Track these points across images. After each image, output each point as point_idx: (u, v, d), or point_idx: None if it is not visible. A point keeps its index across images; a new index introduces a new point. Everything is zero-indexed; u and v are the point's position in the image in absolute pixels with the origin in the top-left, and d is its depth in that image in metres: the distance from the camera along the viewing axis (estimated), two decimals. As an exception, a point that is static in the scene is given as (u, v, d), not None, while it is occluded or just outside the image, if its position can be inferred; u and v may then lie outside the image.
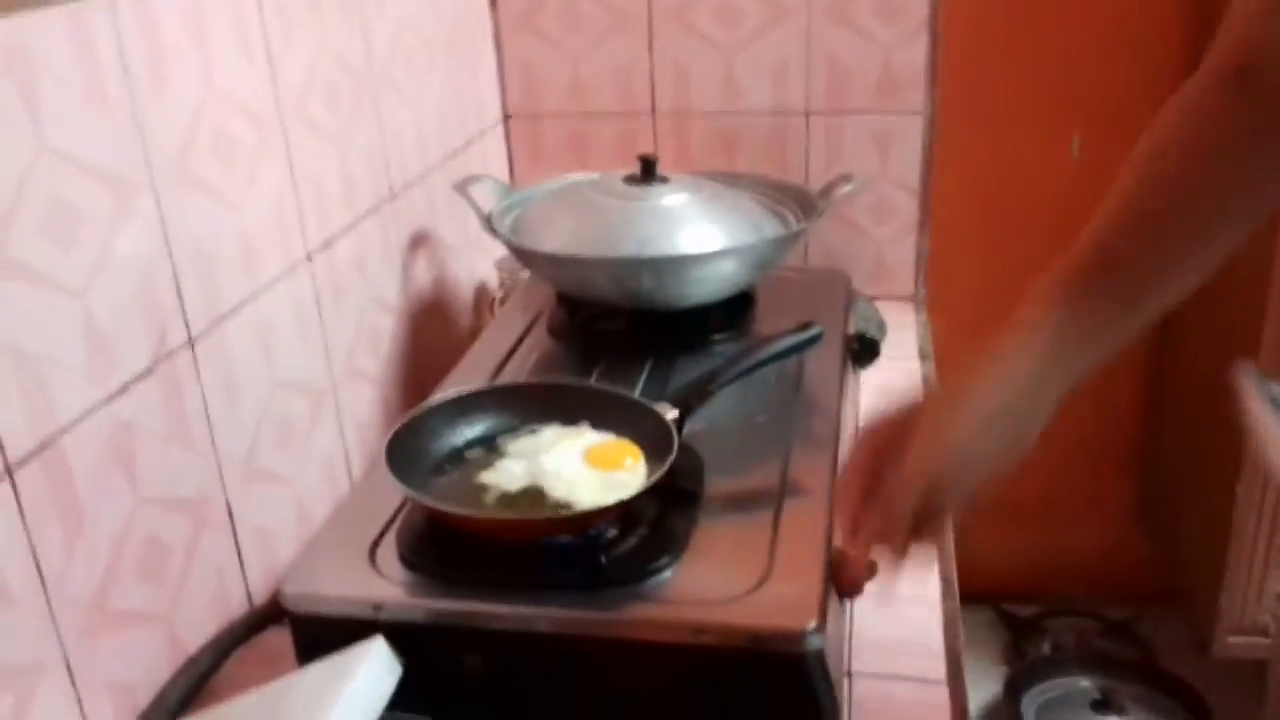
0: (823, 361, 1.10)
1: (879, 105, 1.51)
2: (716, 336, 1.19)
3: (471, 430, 0.95)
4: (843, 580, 0.77)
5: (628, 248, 1.15)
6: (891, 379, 1.34)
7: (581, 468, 0.88)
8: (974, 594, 1.23)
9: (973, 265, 1.87)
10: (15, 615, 0.69)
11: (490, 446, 0.93)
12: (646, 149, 1.45)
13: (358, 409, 1.17)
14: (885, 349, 1.29)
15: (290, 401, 1.03)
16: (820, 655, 0.75)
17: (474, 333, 1.44)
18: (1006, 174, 1.85)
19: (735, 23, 1.50)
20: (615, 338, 1.20)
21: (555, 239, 1.19)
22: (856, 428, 0.87)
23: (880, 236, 1.57)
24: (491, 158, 1.57)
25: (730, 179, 1.32)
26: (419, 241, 1.32)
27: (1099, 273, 0.71)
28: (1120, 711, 1.87)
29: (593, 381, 1.07)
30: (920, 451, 0.69)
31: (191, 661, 0.85)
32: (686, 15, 1.50)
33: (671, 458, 0.85)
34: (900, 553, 0.71)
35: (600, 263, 1.15)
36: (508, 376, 1.12)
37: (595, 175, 1.30)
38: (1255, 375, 1.14)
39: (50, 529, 0.72)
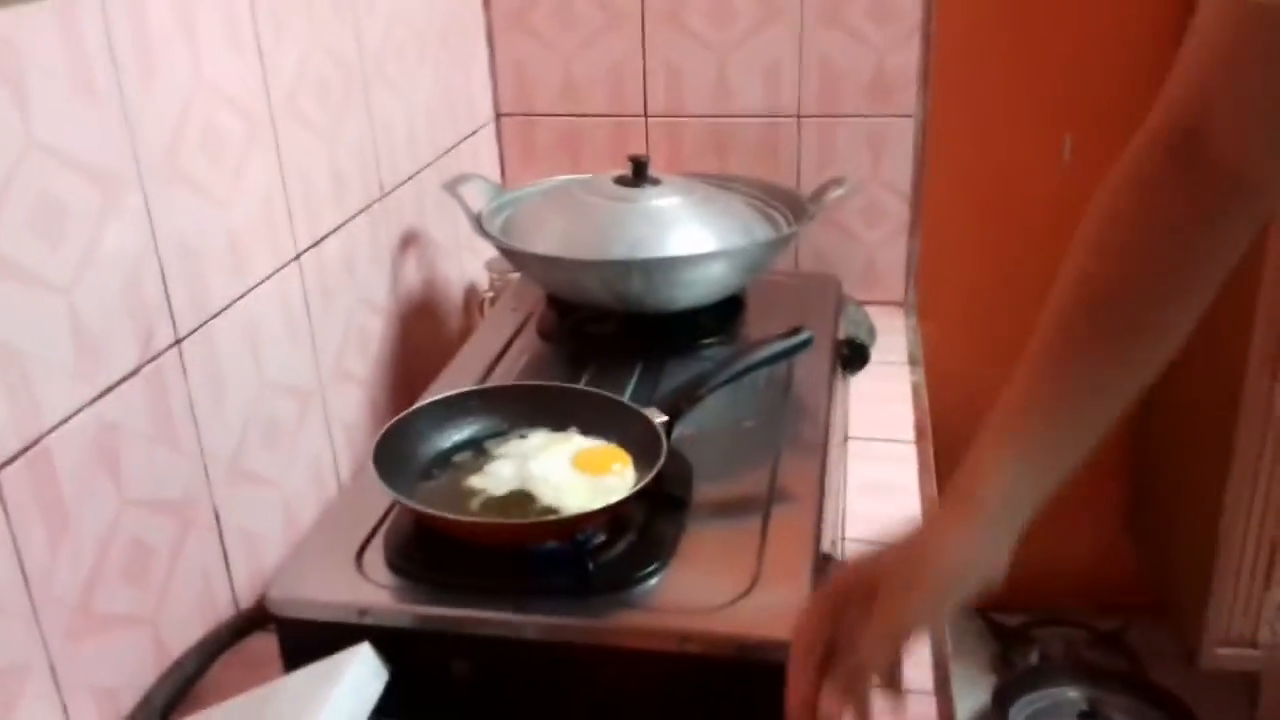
0: (812, 367, 1.10)
1: (871, 108, 1.51)
2: (706, 340, 1.19)
3: (460, 433, 0.94)
4: None
5: (618, 250, 1.14)
6: (881, 385, 1.34)
7: (569, 472, 0.88)
8: (961, 602, 1.23)
9: (963, 270, 1.88)
10: (-1, 617, 0.69)
11: (478, 450, 0.93)
12: (638, 150, 1.45)
13: (346, 410, 1.16)
14: (875, 354, 1.29)
15: (278, 402, 1.02)
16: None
17: (463, 334, 1.43)
18: (998, 177, 1.86)
19: (727, 23, 1.50)
20: (605, 340, 1.19)
21: (545, 240, 1.19)
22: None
23: (871, 240, 1.57)
24: (483, 156, 1.57)
25: (722, 181, 1.32)
26: (409, 241, 1.32)
27: (1057, 372, 0.70)
28: (1107, 721, 1.88)
29: (582, 385, 1.06)
30: (889, 613, 0.66)
31: (177, 665, 0.85)
32: (679, 15, 1.50)
33: (660, 463, 0.85)
34: (865, 700, 0.68)
35: (590, 265, 1.15)
36: (497, 379, 1.12)
37: (586, 176, 1.30)
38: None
39: (34, 530, 0.71)
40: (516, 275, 1.37)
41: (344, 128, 1.15)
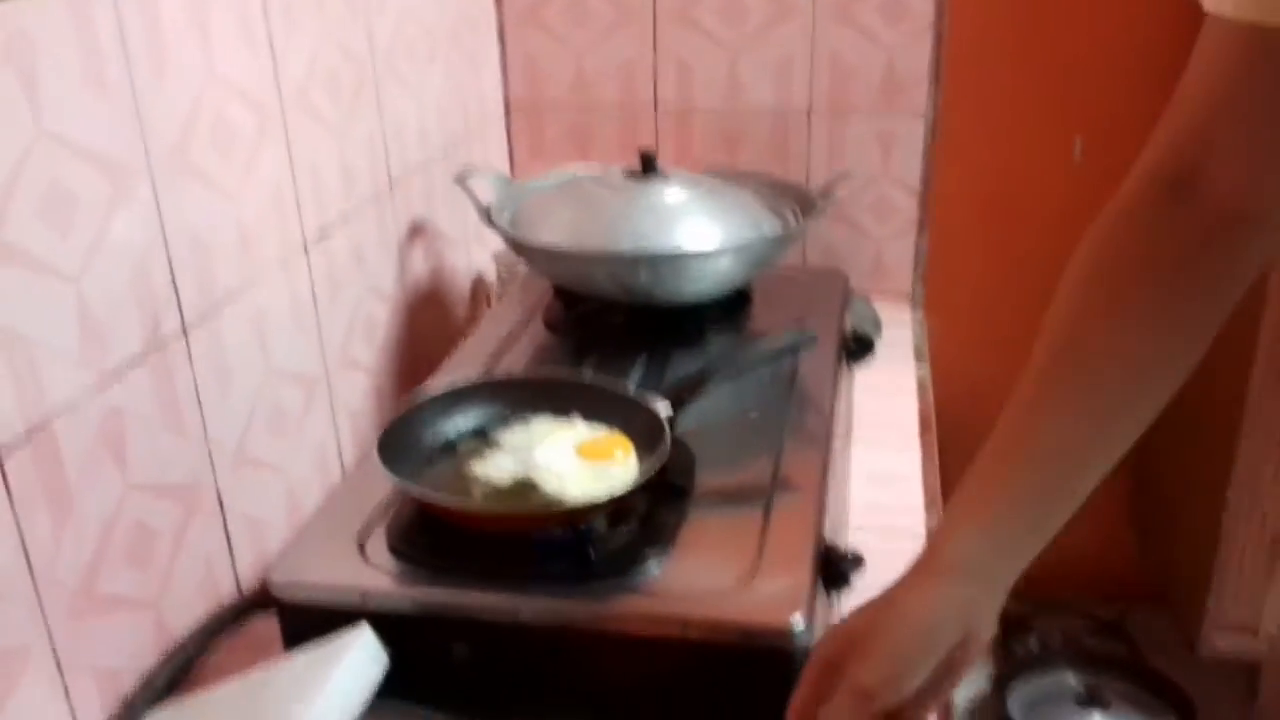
0: (817, 359, 1.10)
1: (882, 105, 1.51)
2: (712, 333, 1.19)
3: (464, 422, 0.95)
4: None
5: (626, 243, 1.14)
6: (886, 377, 1.34)
7: (573, 461, 0.88)
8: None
9: (971, 266, 1.87)
10: (1, 599, 0.69)
11: (482, 438, 0.93)
12: (648, 143, 1.45)
13: (351, 398, 1.17)
14: (880, 348, 1.29)
15: (283, 390, 1.03)
16: (808, 651, 0.74)
17: (470, 324, 1.44)
18: (1007, 176, 1.85)
19: (739, 20, 1.50)
20: (611, 332, 1.19)
21: (553, 233, 1.19)
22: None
23: (879, 235, 1.57)
24: (492, 149, 1.57)
25: (731, 176, 1.32)
26: (417, 232, 1.32)
27: (1032, 434, 0.67)
28: (1106, 708, 1.87)
29: (587, 376, 1.06)
30: (859, 675, 0.64)
31: (178, 647, 0.85)
32: (691, 12, 1.50)
33: (663, 453, 0.85)
34: None
35: (598, 258, 1.15)
36: (503, 369, 1.12)
37: (595, 169, 1.30)
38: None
39: (39, 514, 0.72)
40: (524, 267, 1.38)
41: (354, 122, 1.15)
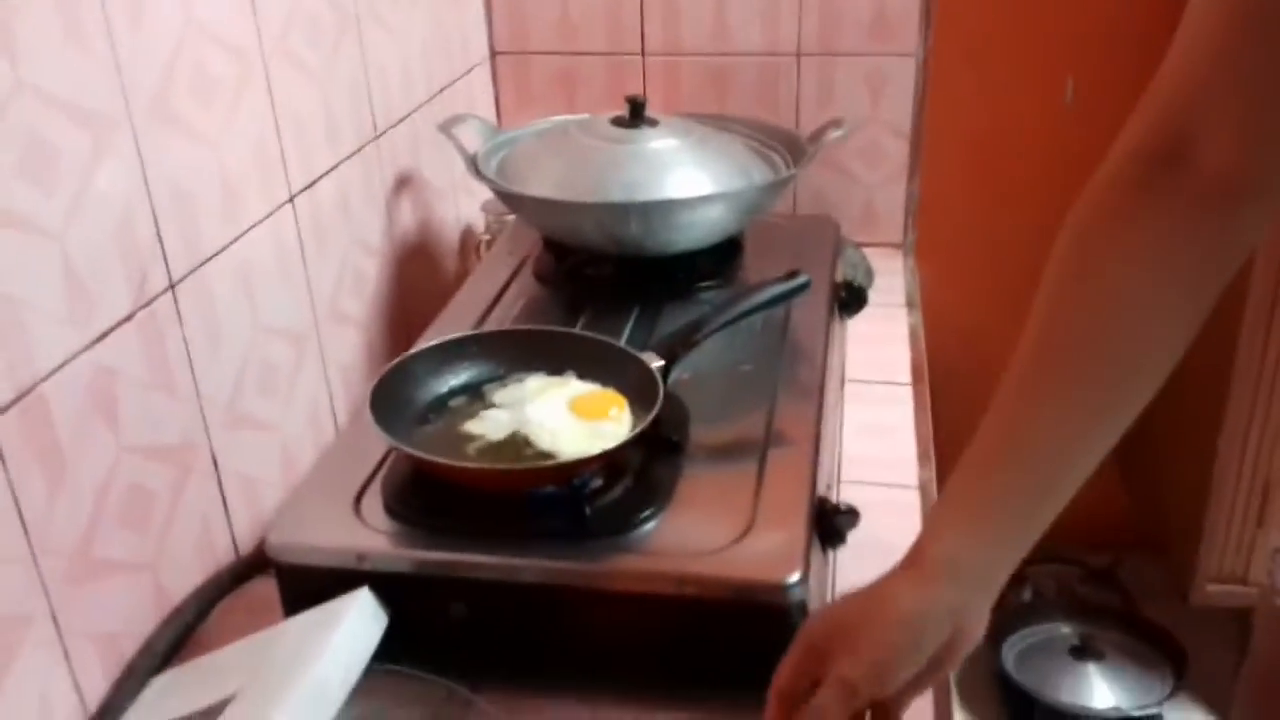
0: (809, 310, 1.09)
1: (871, 47, 1.49)
2: (704, 284, 1.18)
3: (456, 378, 0.94)
4: None
5: (615, 192, 1.13)
6: (878, 327, 1.34)
7: (566, 417, 0.88)
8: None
9: (962, 212, 1.86)
10: (-1, 565, 0.69)
11: (475, 395, 0.93)
12: (635, 89, 1.43)
13: (342, 353, 1.16)
14: (873, 296, 1.28)
15: (273, 346, 1.02)
16: (804, 607, 0.75)
17: (460, 276, 1.42)
18: (998, 119, 1.84)
19: (726, -40, 1.47)
20: (602, 284, 1.19)
21: (541, 183, 1.17)
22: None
23: (870, 182, 1.55)
24: (478, 96, 1.55)
25: (720, 121, 1.31)
26: (403, 183, 1.31)
27: (1018, 431, 0.66)
28: (1099, 658, 1.90)
29: (579, 329, 1.06)
30: (847, 667, 0.64)
31: (177, 611, 0.85)
32: (677, -48, 1.47)
33: (657, 408, 0.85)
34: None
35: (587, 208, 1.14)
36: (493, 323, 1.12)
37: (583, 116, 1.28)
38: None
39: (32, 478, 0.71)
40: (513, 217, 1.36)
41: (336, 68, 1.13)
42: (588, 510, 0.81)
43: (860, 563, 0.92)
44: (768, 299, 1.01)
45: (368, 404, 0.84)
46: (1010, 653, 1.91)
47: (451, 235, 1.48)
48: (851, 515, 0.86)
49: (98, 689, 0.78)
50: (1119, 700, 1.84)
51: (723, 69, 1.53)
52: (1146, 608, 2.02)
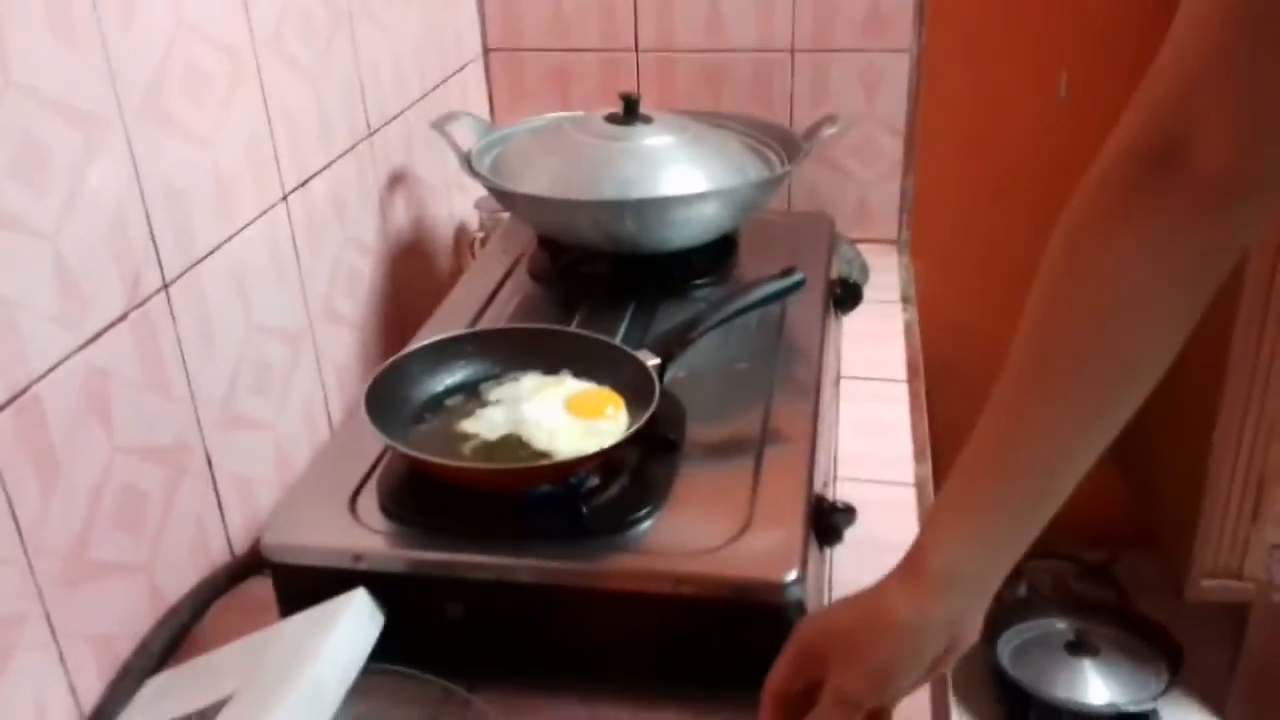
0: (805, 307, 1.09)
1: (865, 43, 1.49)
2: (699, 281, 1.18)
3: (452, 377, 0.94)
4: None
5: (609, 190, 1.13)
6: (873, 324, 1.34)
7: (562, 416, 0.87)
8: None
9: (957, 208, 1.86)
10: (-8, 567, 0.69)
11: (471, 393, 0.93)
12: (629, 86, 1.43)
13: (336, 353, 1.16)
14: (868, 292, 1.28)
15: (267, 346, 1.02)
16: (801, 606, 0.75)
17: (454, 274, 1.42)
18: (993, 114, 1.83)
19: (720, -45, 1.47)
20: (597, 282, 1.18)
21: (535, 180, 1.17)
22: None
23: (865, 178, 1.55)
24: (471, 94, 1.54)
25: (714, 118, 1.31)
26: (397, 181, 1.30)
27: (1014, 433, 0.65)
28: (1095, 653, 1.89)
29: (574, 327, 1.06)
30: (843, 676, 0.65)
31: (173, 612, 0.85)
32: (671, -52, 1.47)
33: (653, 406, 0.85)
34: None
35: (581, 205, 1.14)
36: (488, 321, 1.11)
37: (577, 114, 1.28)
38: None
39: (26, 479, 0.71)
40: (507, 215, 1.36)
41: (329, 66, 1.13)
42: (584, 509, 0.81)
43: (857, 560, 0.92)
44: (763, 296, 1.01)
45: (363, 403, 0.84)
46: (1006, 648, 1.91)
47: (445, 233, 1.47)
48: (848, 513, 0.86)
49: (93, 690, 0.78)
50: (1114, 695, 1.83)
51: (717, 65, 1.52)
52: (1142, 603, 2.02)
